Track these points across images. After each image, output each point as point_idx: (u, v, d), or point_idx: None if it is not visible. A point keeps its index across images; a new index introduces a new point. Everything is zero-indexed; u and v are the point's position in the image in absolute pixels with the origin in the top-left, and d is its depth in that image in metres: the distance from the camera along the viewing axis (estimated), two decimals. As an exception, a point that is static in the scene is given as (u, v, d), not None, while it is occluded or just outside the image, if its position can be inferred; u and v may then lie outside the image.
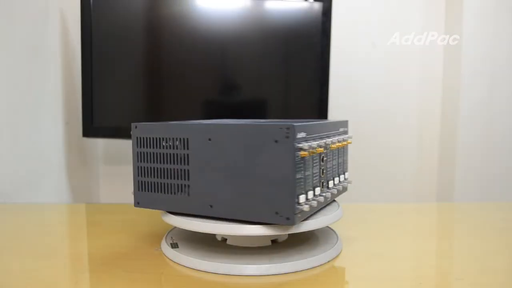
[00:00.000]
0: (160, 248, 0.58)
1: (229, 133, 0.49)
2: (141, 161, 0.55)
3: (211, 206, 0.51)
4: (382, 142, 1.24)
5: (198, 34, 0.92)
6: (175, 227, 0.64)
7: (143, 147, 0.55)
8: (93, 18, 0.90)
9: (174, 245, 0.56)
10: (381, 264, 0.54)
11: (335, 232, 0.62)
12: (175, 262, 0.53)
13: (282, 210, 0.47)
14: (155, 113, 0.93)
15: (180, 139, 0.52)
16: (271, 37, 0.93)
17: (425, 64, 1.22)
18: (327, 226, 0.65)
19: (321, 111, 0.95)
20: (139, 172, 0.55)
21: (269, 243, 0.56)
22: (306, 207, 0.48)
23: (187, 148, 0.51)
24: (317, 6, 0.93)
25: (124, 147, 1.19)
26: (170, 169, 0.53)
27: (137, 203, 0.56)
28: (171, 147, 0.53)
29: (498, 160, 1.18)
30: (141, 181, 0.55)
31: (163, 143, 0.53)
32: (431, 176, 1.25)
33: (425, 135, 1.24)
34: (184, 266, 0.52)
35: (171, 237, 0.60)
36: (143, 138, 0.54)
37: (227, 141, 0.49)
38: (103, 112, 0.93)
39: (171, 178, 0.53)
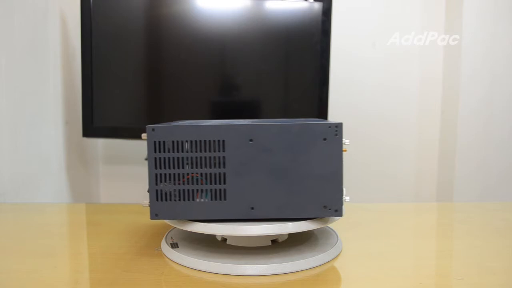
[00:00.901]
0: (160, 248, 0.58)
1: (274, 133, 0.49)
2: (160, 167, 0.49)
3: (252, 208, 0.50)
4: (382, 142, 1.24)
5: (197, 34, 0.92)
6: (175, 227, 0.64)
7: (163, 151, 0.49)
8: (93, 18, 0.90)
9: (174, 245, 0.56)
10: (381, 264, 0.54)
11: (335, 232, 0.62)
12: (175, 262, 0.53)
13: (330, 204, 0.50)
14: (155, 113, 0.93)
15: (214, 141, 0.49)
16: (271, 37, 0.93)
17: (425, 64, 1.22)
18: (327, 226, 0.64)
19: (321, 111, 0.95)
20: (157, 180, 0.50)
21: (269, 243, 0.56)
22: (347, 199, 0.51)
23: (223, 150, 0.49)
24: (317, 6, 0.93)
25: (124, 147, 1.19)
26: (205, 174, 0.49)
27: (155, 215, 0.50)
28: (198, 150, 0.49)
29: (498, 160, 1.18)
30: (161, 190, 0.50)
31: (186, 146, 0.49)
32: (431, 176, 1.25)
33: (425, 135, 1.24)
34: (184, 266, 0.52)
35: (171, 237, 0.60)
36: (163, 142, 0.49)
37: (272, 141, 0.49)
38: (103, 112, 0.93)
39: (206, 183, 0.49)
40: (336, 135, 0.49)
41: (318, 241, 0.58)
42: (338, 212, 0.50)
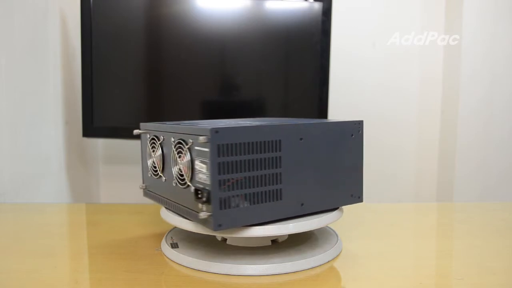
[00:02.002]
0: (160, 248, 0.58)
1: (319, 131, 0.52)
2: (224, 172, 0.45)
3: (302, 205, 0.51)
4: (382, 142, 1.24)
5: (197, 34, 0.92)
6: (175, 227, 0.64)
7: (228, 155, 0.45)
8: (93, 18, 0.90)
9: (174, 245, 0.56)
10: (381, 264, 0.54)
11: (335, 232, 0.62)
12: (175, 262, 0.53)
13: (355, 192, 0.56)
14: (155, 113, 0.93)
15: (271, 141, 0.48)
16: (271, 37, 0.93)
17: (425, 64, 1.22)
18: (327, 226, 0.65)
19: (321, 111, 0.95)
20: (221, 186, 0.45)
21: (269, 243, 0.56)
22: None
23: (279, 150, 0.49)
24: (317, 6, 0.93)
25: (124, 147, 1.19)
26: (263, 175, 0.48)
27: (218, 226, 0.45)
28: (257, 151, 0.47)
29: (498, 160, 1.18)
30: (224, 198, 0.45)
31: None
32: (431, 176, 1.25)
33: (425, 135, 1.24)
34: (184, 266, 0.52)
35: (171, 237, 0.60)
36: (227, 145, 0.45)
37: (317, 139, 0.52)
38: (103, 112, 0.93)
39: (264, 185, 0.48)
40: (359, 131, 0.56)
41: (318, 241, 0.58)
42: (360, 198, 0.57)
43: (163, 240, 0.59)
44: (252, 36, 0.93)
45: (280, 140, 0.49)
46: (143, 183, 0.62)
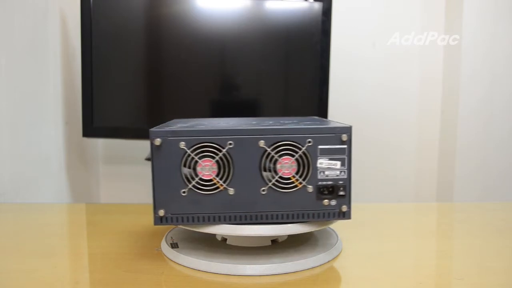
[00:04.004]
0: (160, 248, 0.58)
1: None
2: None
3: None
4: (382, 142, 1.24)
5: (197, 34, 0.92)
6: (175, 227, 0.64)
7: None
8: (93, 18, 0.90)
9: (174, 245, 0.56)
10: (381, 264, 0.54)
11: (335, 232, 0.62)
12: (175, 262, 0.53)
13: None
14: (155, 113, 0.93)
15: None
16: (271, 36, 0.93)
17: (425, 64, 1.22)
18: (327, 226, 0.64)
19: (321, 111, 0.95)
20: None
21: (269, 243, 0.56)
22: None
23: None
24: (317, 6, 0.93)
25: (124, 147, 1.19)
26: None
27: (349, 215, 0.51)
28: None
29: (498, 160, 1.18)
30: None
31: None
32: (431, 176, 1.25)
33: (425, 135, 1.24)
34: (184, 266, 0.52)
35: (171, 237, 0.60)
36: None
37: None
38: (103, 112, 0.93)
39: None
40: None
41: (318, 241, 0.58)
42: None
43: (163, 240, 0.59)
44: (252, 36, 0.93)
45: None
46: (159, 208, 0.49)
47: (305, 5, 0.93)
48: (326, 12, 0.93)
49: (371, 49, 1.21)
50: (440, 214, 0.83)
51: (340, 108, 1.17)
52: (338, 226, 0.67)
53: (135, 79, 0.93)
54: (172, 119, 0.89)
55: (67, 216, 0.83)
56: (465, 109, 1.16)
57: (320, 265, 0.52)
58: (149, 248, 0.59)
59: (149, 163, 0.49)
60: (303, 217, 0.49)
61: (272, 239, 0.57)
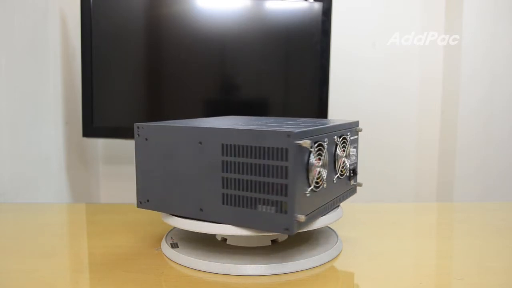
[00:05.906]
0: (160, 248, 0.58)
1: None
2: None
3: None
4: (382, 142, 1.24)
5: (198, 34, 0.92)
6: (175, 227, 0.64)
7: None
8: (93, 18, 0.91)
9: (174, 245, 0.56)
10: (381, 264, 0.54)
11: (335, 232, 0.62)
12: (175, 262, 0.53)
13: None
14: (155, 113, 0.93)
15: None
16: (272, 36, 0.93)
17: (425, 64, 1.22)
18: (327, 226, 0.65)
19: (321, 111, 0.95)
20: None
21: (269, 243, 0.56)
22: None
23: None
24: (317, 6, 0.93)
25: (124, 147, 1.19)
26: None
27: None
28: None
29: (498, 160, 1.18)
30: None
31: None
32: (431, 176, 1.25)
33: (425, 135, 1.24)
34: (184, 266, 0.52)
35: (171, 237, 0.60)
36: None
37: None
38: (103, 112, 0.93)
39: None
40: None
41: (318, 241, 0.58)
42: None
43: (163, 240, 0.59)
44: (252, 36, 0.93)
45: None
46: (298, 213, 0.45)
47: (305, 5, 0.93)
48: (326, 12, 0.93)
49: (371, 49, 1.21)
50: (440, 214, 0.83)
51: (340, 108, 1.18)
52: (338, 226, 0.67)
53: (135, 79, 0.93)
54: (172, 119, 0.90)
55: (67, 216, 0.83)
56: (465, 109, 1.16)
57: (320, 265, 0.52)
58: (149, 248, 0.59)
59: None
60: (341, 199, 0.57)
61: (272, 239, 0.57)
